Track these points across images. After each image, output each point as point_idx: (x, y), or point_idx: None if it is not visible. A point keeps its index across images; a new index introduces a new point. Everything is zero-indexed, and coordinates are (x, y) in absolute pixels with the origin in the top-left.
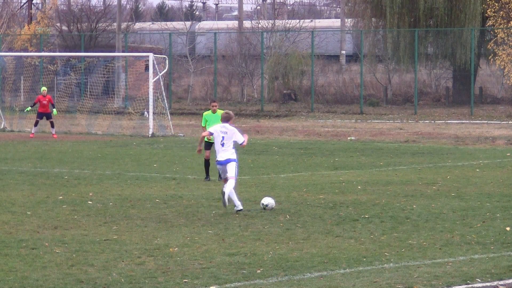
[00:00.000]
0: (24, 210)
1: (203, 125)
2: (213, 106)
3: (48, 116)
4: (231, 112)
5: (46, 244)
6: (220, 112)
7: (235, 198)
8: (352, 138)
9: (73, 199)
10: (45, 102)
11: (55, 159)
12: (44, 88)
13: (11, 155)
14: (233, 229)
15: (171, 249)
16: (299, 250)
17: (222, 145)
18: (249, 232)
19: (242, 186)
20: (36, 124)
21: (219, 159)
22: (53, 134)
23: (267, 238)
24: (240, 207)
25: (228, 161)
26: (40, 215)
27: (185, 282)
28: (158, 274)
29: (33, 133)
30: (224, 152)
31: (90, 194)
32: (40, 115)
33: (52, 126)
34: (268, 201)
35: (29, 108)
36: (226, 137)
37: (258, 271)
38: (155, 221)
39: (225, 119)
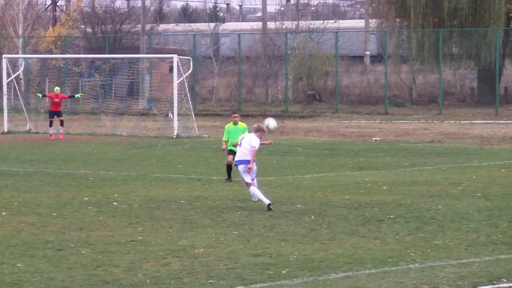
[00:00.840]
0: (50, 212)
1: (225, 139)
2: (234, 117)
3: (59, 114)
4: (262, 126)
5: (72, 245)
6: (241, 124)
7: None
8: (377, 138)
9: (99, 200)
10: (57, 100)
11: (80, 161)
12: (57, 88)
13: (37, 157)
14: (258, 230)
15: (196, 250)
16: (324, 250)
17: (239, 145)
18: (274, 233)
19: (267, 186)
20: (50, 124)
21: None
22: (60, 133)
23: (292, 239)
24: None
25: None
26: (65, 216)
27: (210, 283)
28: (184, 275)
29: (51, 134)
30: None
31: (116, 195)
32: (52, 114)
33: (61, 125)
34: (268, 122)
35: (40, 95)
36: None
37: (284, 272)
38: (180, 222)
39: (255, 130)
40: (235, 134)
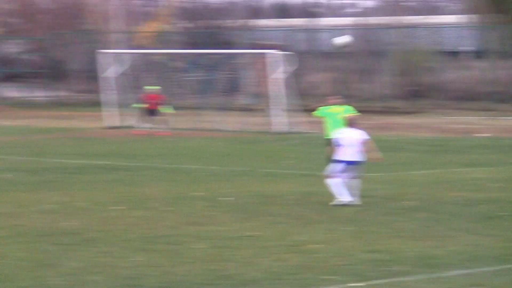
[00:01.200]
0: (163, 206)
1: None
2: (330, 100)
3: (156, 113)
4: (354, 118)
5: (186, 239)
6: (337, 108)
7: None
8: (483, 135)
9: (210, 195)
10: (154, 101)
11: (188, 156)
12: (156, 88)
13: (147, 152)
14: (373, 226)
15: (309, 246)
16: (439, 247)
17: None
18: (389, 229)
19: (374, 183)
20: (145, 121)
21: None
22: (158, 130)
23: (406, 235)
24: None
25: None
26: (178, 211)
27: (326, 278)
28: (298, 271)
29: (141, 130)
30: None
31: (226, 190)
32: (149, 112)
33: (157, 123)
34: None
35: (138, 105)
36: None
37: (398, 268)
38: (292, 217)
39: (350, 123)
40: (331, 116)
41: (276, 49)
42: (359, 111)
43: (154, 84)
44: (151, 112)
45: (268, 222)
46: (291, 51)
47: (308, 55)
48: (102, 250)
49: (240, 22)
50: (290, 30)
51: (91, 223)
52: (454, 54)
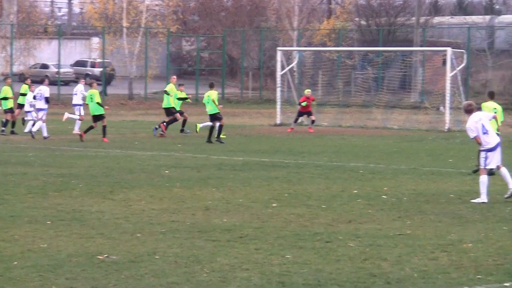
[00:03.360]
0: (320, 204)
1: None
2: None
3: (309, 113)
4: (473, 102)
5: (340, 237)
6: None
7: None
8: None
9: (368, 193)
10: (309, 103)
11: (351, 153)
12: (308, 90)
13: (308, 149)
14: None
15: (464, 245)
16: None
17: (486, 133)
18: None
19: None
20: (295, 121)
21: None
22: (309, 128)
23: None
24: (478, 200)
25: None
26: (335, 208)
27: (479, 278)
28: (451, 270)
29: (292, 128)
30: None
31: (385, 188)
32: (301, 114)
33: (312, 122)
34: None
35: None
36: (484, 124)
37: None
38: (449, 216)
39: (471, 111)
40: None
41: (452, 46)
42: None
43: (325, 82)
44: (305, 112)
45: (423, 221)
46: (467, 49)
47: (483, 53)
48: (255, 247)
49: (417, 19)
50: (467, 27)
51: (246, 220)
52: None
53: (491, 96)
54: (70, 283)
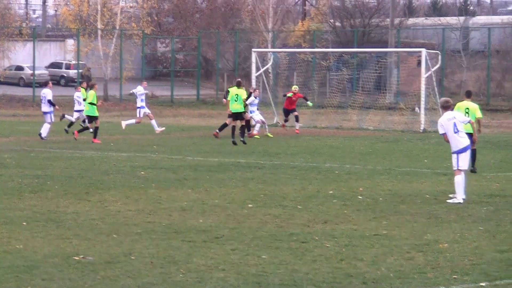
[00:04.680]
0: (295, 204)
1: None
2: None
3: (293, 111)
4: (450, 100)
5: (316, 238)
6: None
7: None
8: None
9: (344, 194)
10: (294, 99)
11: (327, 154)
12: (295, 87)
13: (283, 150)
14: (504, 226)
15: (440, 245)
16: None
17: (457, 132)
18: None
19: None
20: (286, 120)
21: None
22: (296, 129)
23: None
24: (454, 200)
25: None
26: (310, 209)
27: (455, 278)
28: (428, 270)
29: (284, 125)
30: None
31: (361, 189)
32: (287, 112)
33: (297, 120)
34: None
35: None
36: (456, 123)
37: None
38: (425, 216)
39: (448, 107)
40: None
41: (427, 48)
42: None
43: (300, 83)
44: (289, 110)
45: (399, 221)
46: (442, 50)
47: (458, 54)
48: (231, 247)
49: (392, 20)
50: (442, 28)
51: (222, 221)
52: None
53: (468, 95)
54: (46, 284)
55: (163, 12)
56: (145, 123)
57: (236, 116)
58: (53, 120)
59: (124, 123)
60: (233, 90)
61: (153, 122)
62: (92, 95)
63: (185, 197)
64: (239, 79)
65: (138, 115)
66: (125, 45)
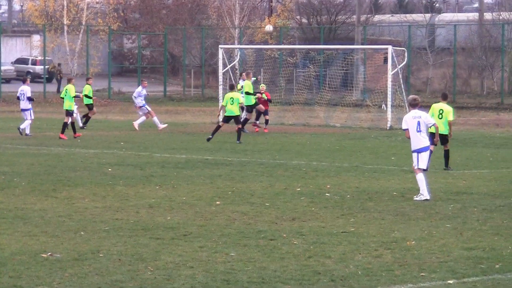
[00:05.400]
0: (263, 201)
1: None
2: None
3: (266, 112)
4: (418, 97)
5: (284, 235)
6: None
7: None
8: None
9: (311, 191)
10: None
11: (294, 151)
12: (262, 85)
13: (251, 147)
14: (471, 224)
15: (408, 243)
16: None
17: (419, 131)
18: (488, 227)
19: (481, 180)
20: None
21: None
22: (264, 128)
23: (506, 233)
24: (420, 198)
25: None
26: (278, 206)
27: (422, 275)
28: (395, 267)
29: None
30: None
31: (328, 186)
32: (259, 113)
33: (266, 123)
34: None
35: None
36: (421, 122)
37: (497, 266)
38: (392, 214)
39: (415, 105)
40: None
41: (393, 45)
42: (474, 107)
43: (267, 80)
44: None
45: (367, 218)
46: (408, 47)
47: (424, 51)
48: (199, 244)
49: (358, 17)
50: (408, 25)
51: (190, 218)
52: None
53: (444, 97)
54: (13, 282)
55: (130, 8)
56: (112, 120)
57: (228, 119)
58: (33, 116)
59: (136, 124)
60: (228, 95)
61: (154, 120)
62: (71, 89)
63: (153, 194)
64: (232, 83)
65: (144, 111)
66: (92, 41)
